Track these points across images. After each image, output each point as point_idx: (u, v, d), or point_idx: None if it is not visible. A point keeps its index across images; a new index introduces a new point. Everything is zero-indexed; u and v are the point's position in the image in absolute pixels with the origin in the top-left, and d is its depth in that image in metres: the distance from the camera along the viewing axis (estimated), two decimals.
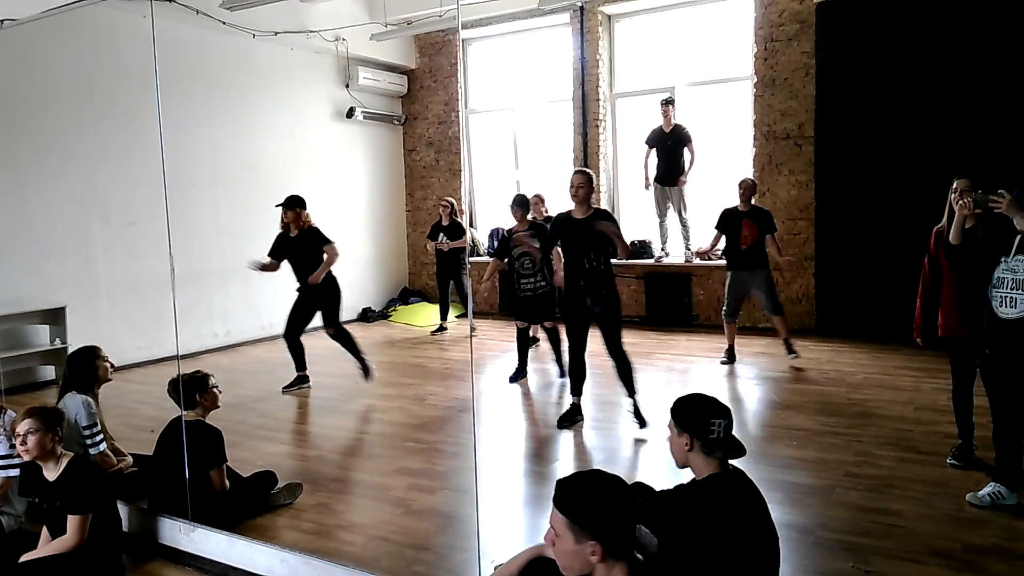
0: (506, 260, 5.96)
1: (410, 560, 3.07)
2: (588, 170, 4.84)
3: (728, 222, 6.20)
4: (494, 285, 5.94)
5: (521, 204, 6.04)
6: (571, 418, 4.82)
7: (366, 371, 5.79)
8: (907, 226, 6.61)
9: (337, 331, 5.82)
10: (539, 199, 8.54)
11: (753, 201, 6.32)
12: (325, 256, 5.73)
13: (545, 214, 8.42)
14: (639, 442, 4.53)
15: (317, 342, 6.01)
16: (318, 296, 5.78)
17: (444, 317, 8.27)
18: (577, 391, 4.86)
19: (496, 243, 9.42)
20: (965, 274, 3.63)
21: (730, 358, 6.31)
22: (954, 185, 3.61)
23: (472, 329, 7.93)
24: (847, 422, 4.67)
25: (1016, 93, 6.11)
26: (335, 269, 5.89)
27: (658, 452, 4.33)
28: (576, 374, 4.85)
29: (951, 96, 6.45)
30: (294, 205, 5.76)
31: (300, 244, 5.77)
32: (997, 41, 6.07)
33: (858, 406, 5.00)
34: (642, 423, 4.59)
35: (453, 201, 8.38)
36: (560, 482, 1.88)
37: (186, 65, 7.21)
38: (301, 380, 5.91)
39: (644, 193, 8.11)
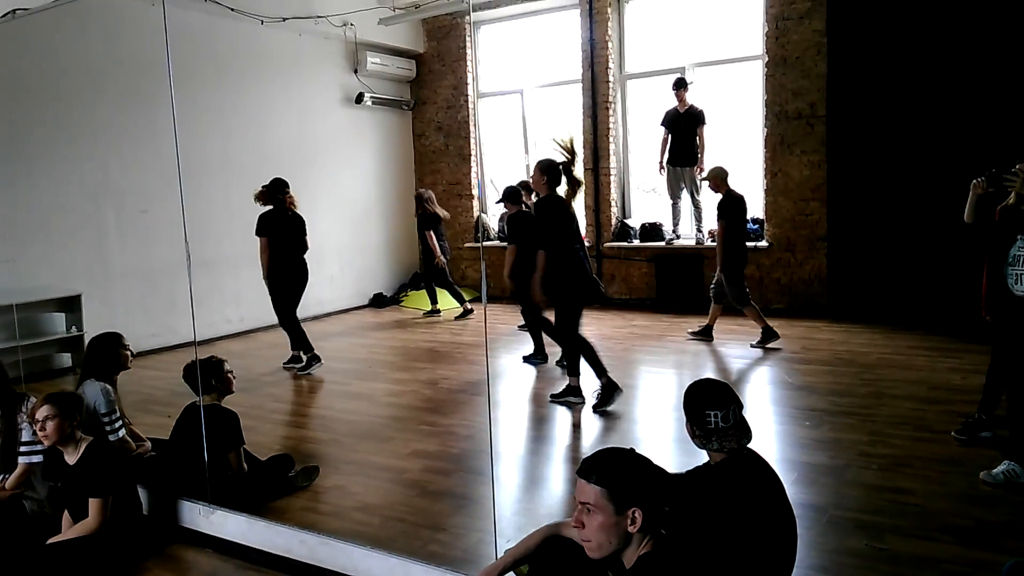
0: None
1: (426, 540, 3.11)
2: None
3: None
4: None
5: (511, 197, 6.16)
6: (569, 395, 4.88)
7: (307, 365, 5.93)
8: (921, 207, 6.61)
9: (290, 319, 6.03)
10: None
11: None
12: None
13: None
14: (652, 423, 4.54)
15: (330, 327, 6.05)
16: (293, 278, 6.03)
17: (433, 302, 8.38)
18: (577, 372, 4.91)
19: (505, 226, 9.42)
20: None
21: (704, 334, 6.50)
22: (1016, 167, 3.38)
23: (467, 313, 7.98)
24: (861, 402, 4.67)
25: None
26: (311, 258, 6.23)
27: (675, 434, 4.34)
28: (582, 355, 4.87)
29: (965, 74, 6.36)
30: (286, 188, 5.97)
31: (294, 225, 6.02)
32: (1012, 18, 5.98)
33: (871, 386, 5.00)
34: (597, 406, 4.69)
35: (425, 193, 8.27)
36: (591, 458, 1.88)
37: (195, 52, 7.22)
38: (295, 360, 6.15)
39: (654, 175, 8.07)
